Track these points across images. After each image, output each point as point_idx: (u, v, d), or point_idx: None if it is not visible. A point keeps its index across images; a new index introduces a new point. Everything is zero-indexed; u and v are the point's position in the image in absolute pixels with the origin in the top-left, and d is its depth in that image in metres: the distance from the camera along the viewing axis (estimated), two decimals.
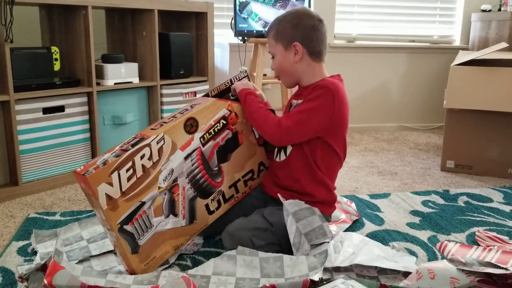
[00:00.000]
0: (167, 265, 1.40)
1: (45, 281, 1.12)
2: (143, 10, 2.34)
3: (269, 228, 1.41)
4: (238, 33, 2.73)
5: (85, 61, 2.16)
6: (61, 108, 2.09)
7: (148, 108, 2.48)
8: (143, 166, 1.33)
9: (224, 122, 1.51)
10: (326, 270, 1.27)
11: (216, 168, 1.48)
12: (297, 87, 1.60)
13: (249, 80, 1.64)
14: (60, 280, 1.13)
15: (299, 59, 1.51)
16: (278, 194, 1.45)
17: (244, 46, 2.94)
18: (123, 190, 1.28)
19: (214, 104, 1.50)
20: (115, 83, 2.27)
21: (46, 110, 2.04)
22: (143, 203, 1.32)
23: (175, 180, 1.39)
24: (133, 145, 1.32)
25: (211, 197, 1.47)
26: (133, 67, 2.37)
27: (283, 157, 1.55)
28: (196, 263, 1.42)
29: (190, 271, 1.31)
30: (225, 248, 1.41)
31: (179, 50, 2.51)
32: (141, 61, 2.44)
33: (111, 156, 1.29)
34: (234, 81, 1.61)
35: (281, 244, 1.43)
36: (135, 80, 2.37)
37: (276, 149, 1.60)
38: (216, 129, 1.48)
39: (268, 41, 1.58)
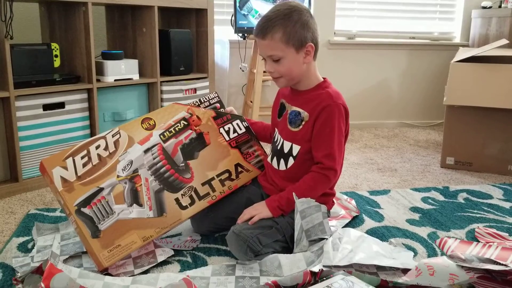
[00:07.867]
0: (155, 264, 1.37)
1: (42, 285, 1.11)
2: (143, 6, 2.34)
3: (274, 226, 1.41)
4: (238, 29, 2.74)
5: (85, 58, 2.16)
6: (61, 105, 2.09)
7: (148, 104, 2.48)
8: (98, 155, 1.40)
9: (185, 123, 1.54)
10: (325, 267, 1.27)
11: (183, 164, 1.50)
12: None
13: (220, 100, 1.64)
14: (57, 284, 1.12)
15: (309, 61, 1.42)
16: (293, 193, 1.42)
17: (244, 43, 2.94)
18: (79, 174, 1.35)
19: (172, 107, 1.56)
20: (115, 80, 2.27)
21: (46, 107, 2.04)
22: (101, 189, 1.36)
23: (136, 171, 1.42)
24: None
25: (181, 192, 1.46)
26: (133, 63, 2.36)
27: (282, 167, 1.52)
28: (196, 259, 1.43)
29: (188, 273, 1.32)
30: (231, 249, 1.40)
31: (179, 46, 2.50)
32: (141, 58, 2.44)
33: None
34: (204, 101, 1.62)
35: (286, 241, 1.43)
36: (135, 76, 2.37)
37: (271, 154, 1.58)
38: (177, 128, 1.52)
39: (269, 44, 1.41)
